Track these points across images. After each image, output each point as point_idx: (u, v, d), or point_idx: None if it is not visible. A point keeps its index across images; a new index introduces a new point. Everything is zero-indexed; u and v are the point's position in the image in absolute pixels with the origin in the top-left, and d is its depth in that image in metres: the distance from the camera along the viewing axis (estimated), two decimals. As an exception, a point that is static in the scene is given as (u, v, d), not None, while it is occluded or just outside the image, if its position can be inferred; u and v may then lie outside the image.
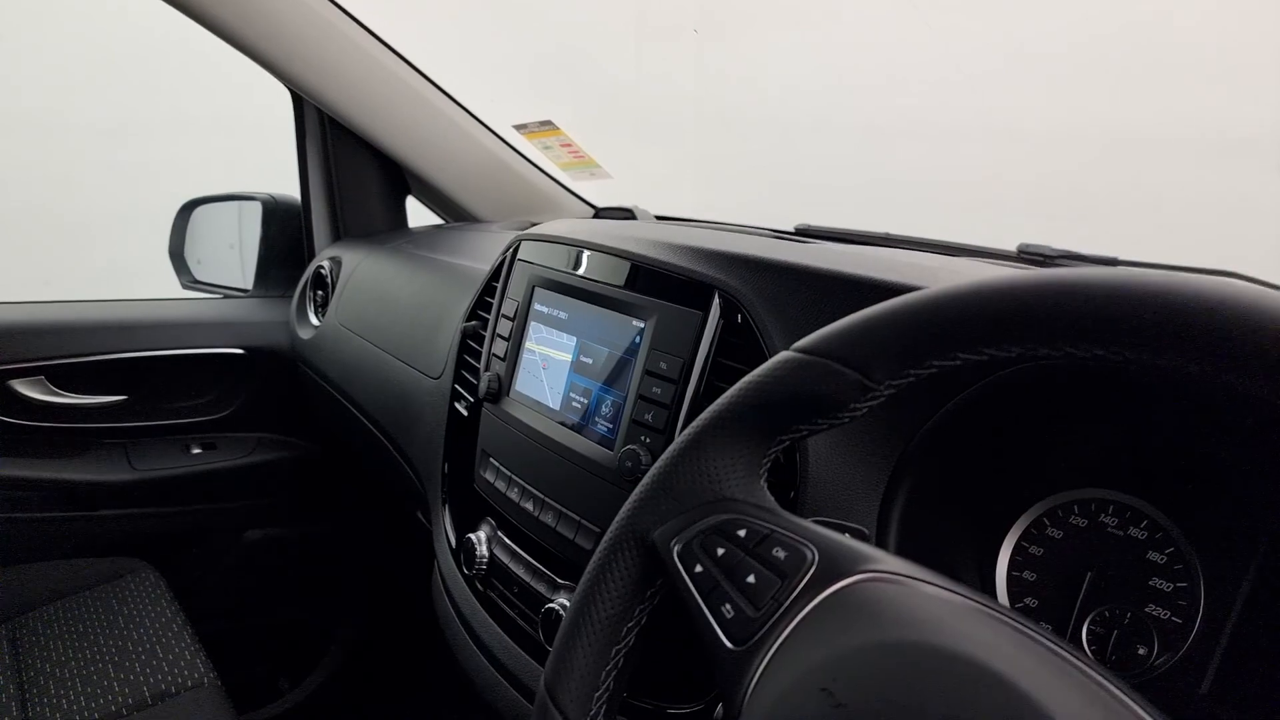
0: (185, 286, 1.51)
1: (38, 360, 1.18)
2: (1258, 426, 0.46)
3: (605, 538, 0.40)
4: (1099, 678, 0.29)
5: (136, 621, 1.04)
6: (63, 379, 1.21)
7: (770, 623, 0.34)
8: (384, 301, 1.12)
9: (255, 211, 1.47)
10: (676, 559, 0.37)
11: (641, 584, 0.40)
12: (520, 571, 0.70)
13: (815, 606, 0.33)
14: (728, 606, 0.35)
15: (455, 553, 0.80)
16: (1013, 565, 0.54)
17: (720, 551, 0.36)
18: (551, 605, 0.65)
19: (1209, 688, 0.46)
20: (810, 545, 0.35)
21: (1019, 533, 0.54)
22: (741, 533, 0.36)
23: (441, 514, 0.84)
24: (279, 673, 1.44)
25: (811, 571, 0.34)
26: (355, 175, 1.33)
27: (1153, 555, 0.49)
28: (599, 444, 0.64)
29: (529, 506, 0.69)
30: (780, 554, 0.35)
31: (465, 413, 0.82)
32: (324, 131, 1.30)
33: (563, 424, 0.68)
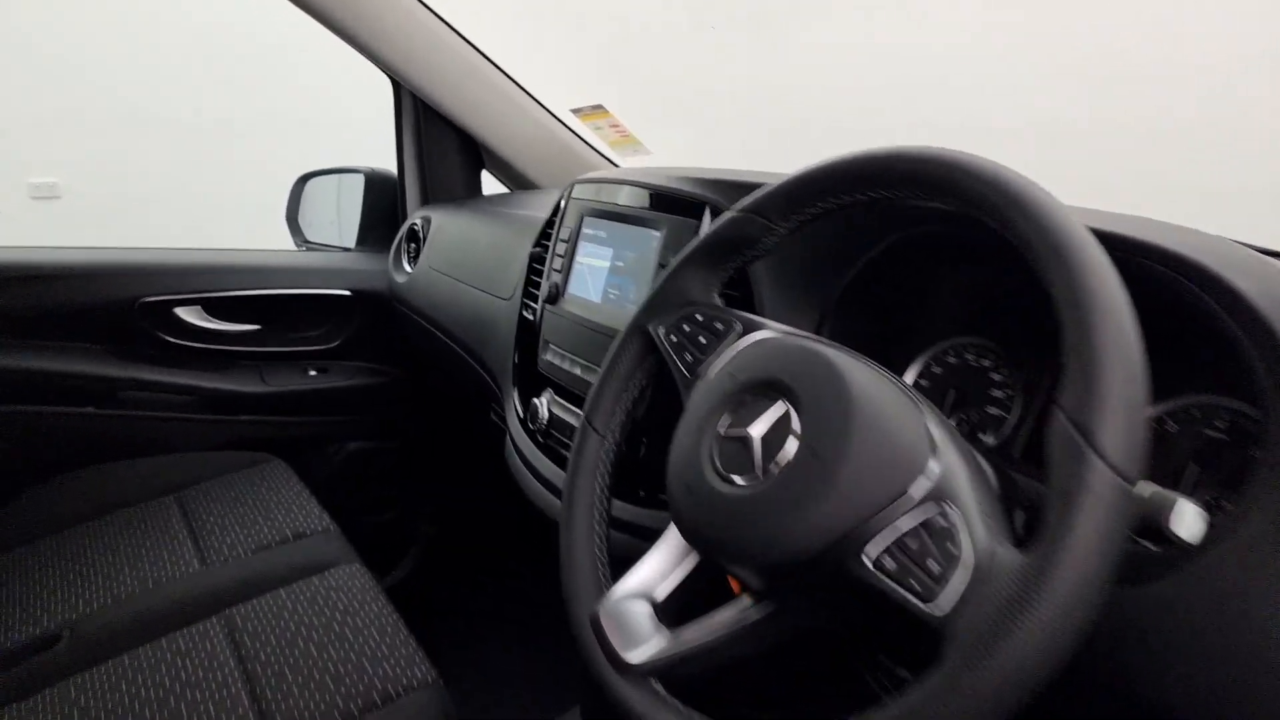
0: (299, 246, 1.83)
1: (196, 293, 1.50)
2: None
3: (620, 332, 0.66)
4: (880, 369, 0.53)
5: (275, 492, 1.34)
6: (214, 309, 1.52)
7: (709, 359, 0.59)
8: (466, 247, 1.40)
9: (353, 183, 1.78)
10: (660, 335, 0.63)
11: (642, 357, 0.65)
12: (571, 420, 0.97)
13: (737, 348, 0.59)
14: (688, 355, 0.61)
15: (523, 419, 1.07)
16: None
17: (686, 328, 0.62)
18: (593, 437, 0.91)
19: (1019, 453, 0.70)
20: (738, 320, 0.60)
21: (917, 370, 0.78)
22: (699, 317, 0.62)
23: (512, 394, 1.12)
24: (369, 566, 1.74)
25: (737, 332, 0.60)
26: (441, 150, 1.62)
27: (993, 375, 0.73)
28: (628, 319, 0.90)
29: (578, 372, 0.96)
30: (720, 325, 0.61)
31: (531, 317, 1.09)
32: (417, 114, 1.59)
33: (603, 310, 0.94)
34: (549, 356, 1.03)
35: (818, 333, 0.76)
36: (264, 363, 1.58)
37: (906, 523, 0.43)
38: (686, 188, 0.87)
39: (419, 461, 1.75)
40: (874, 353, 0.80)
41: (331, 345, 1.63)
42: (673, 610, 0.56)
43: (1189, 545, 0.44)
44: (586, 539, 0.61)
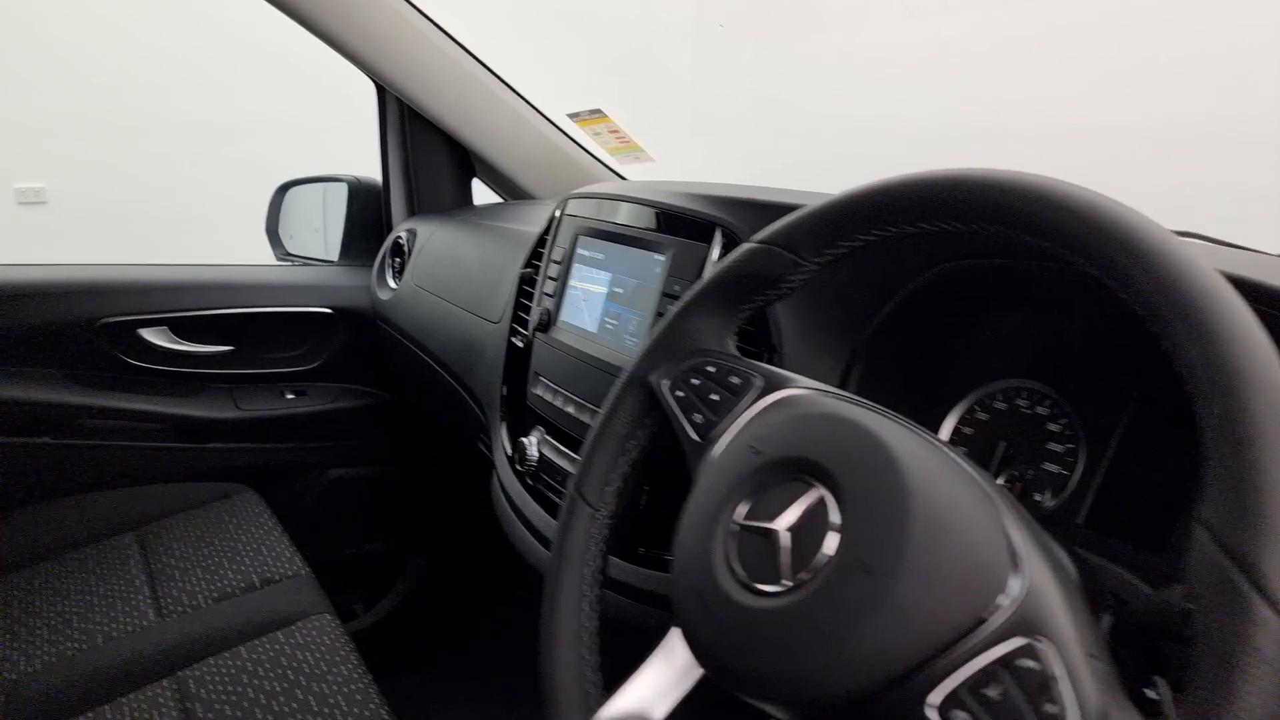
0: (279, 259, 1.72)
1: (162, 312, 1.39)
2: (1126, 319, 0.59)
3: (618, 381, 0.56)
4: (945, 447, 0.42)
5: (244, 530, 1.23)
6: (182, 329, 1.42)
7: (723, 422, 0.49)
8: (453, 263, 1.29)
9: (339, 193, 1.68)
10: (665, 390, 0.52)
11: (642, 414, 0.55)
12: (564, 464, 0.86)
13: (756, 410, 0.48)
14: (697, 415, 0.50)
15: (510, 458, 0.97)
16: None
17: (695, 381, 0.51)
18: (587, 486, 0.80)
19: (1083, 519, 0.59)
20: (758, 374, 0.50)
21: (956, 417, 0.68)
22: (711, 369, 0.51)
23: (499, 429, 1.01)
24: (353, 598, 1.63)
25: (757, 390, 0.49)
26: (429, 158, 1.51)
27: (1050, 425, 0.63)
28: (627, 354, 0.80)
29: (571, 410, 0.85)
30: (736, 380, 0.50)
31: (520, 345, 0.99)
32: (403, 120, 1.49)
33: (599, 342, 0.84)
34: (539, 390, 0.92)
35: (847, 375, 0.66)
36: (237, 386, 1.48)
37: (983, 662, 0.33)
38: (693, 206, 0.76)
39: (405, 489, 1.65)
40: (911, 396, 0.70)
41: (311, 366, 1.52)
42: None
43: None
44: (571, 641, 0.50)
